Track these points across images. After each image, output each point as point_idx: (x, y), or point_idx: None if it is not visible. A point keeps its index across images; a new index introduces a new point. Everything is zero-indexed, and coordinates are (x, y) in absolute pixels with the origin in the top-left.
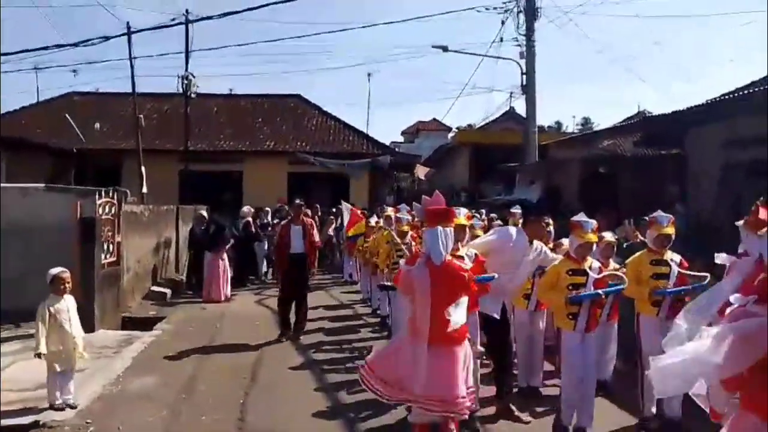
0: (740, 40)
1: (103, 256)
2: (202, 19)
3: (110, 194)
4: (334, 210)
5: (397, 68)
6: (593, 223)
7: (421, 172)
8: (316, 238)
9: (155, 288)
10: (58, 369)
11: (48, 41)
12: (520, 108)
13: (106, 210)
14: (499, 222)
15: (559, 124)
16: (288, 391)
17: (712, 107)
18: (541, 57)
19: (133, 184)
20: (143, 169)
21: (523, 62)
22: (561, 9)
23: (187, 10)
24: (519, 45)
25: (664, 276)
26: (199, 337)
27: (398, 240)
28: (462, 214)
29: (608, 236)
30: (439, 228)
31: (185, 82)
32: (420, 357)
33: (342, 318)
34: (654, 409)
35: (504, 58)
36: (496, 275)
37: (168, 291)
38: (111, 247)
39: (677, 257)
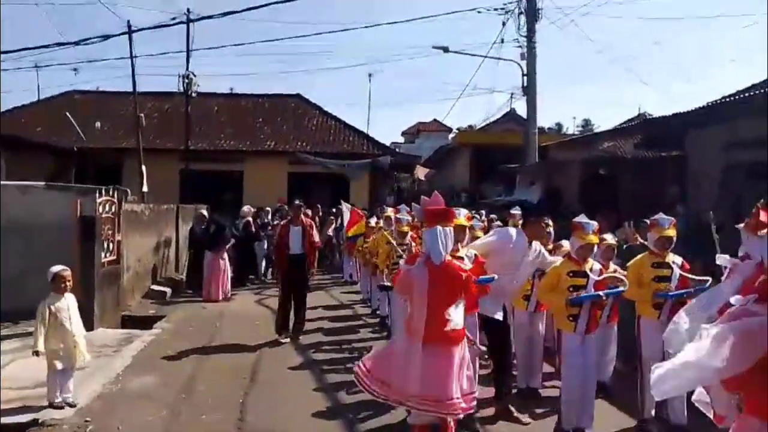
0: (742, 42)
1: (103, 255)
2: (203, 18)
3: (110, 193)
4: (334, 210)
5: (397, 69)
6: (594, 224)
7: (421, 172)
8: (316, 238)
9: (155, 287)
10: (59, 367)
11: (49, 39)
12: (521, 109)
13: (107, 209)
14: (498, 223)
15: (559, 125)
16: (288, 391)
17: (712, 109)
18: (541, 58)
19: (133, 183)
20: (144, 168)
21: (523, 63)
22: (562, 10)
23: (188, 9)
24: (520, 46)
25: (666, 279)
26: (199, 336)
27: (394, 243)
28: (462, 215)
29: (609, 238)
30: (439, 228)
31: (186, 81)
32: (415, 357)
33: (342, 318)
34: (653, 412)
35: (505, 59)
36: (496, 276)
37: (168, 290)
38: (111, 245)
39: (679, 259)
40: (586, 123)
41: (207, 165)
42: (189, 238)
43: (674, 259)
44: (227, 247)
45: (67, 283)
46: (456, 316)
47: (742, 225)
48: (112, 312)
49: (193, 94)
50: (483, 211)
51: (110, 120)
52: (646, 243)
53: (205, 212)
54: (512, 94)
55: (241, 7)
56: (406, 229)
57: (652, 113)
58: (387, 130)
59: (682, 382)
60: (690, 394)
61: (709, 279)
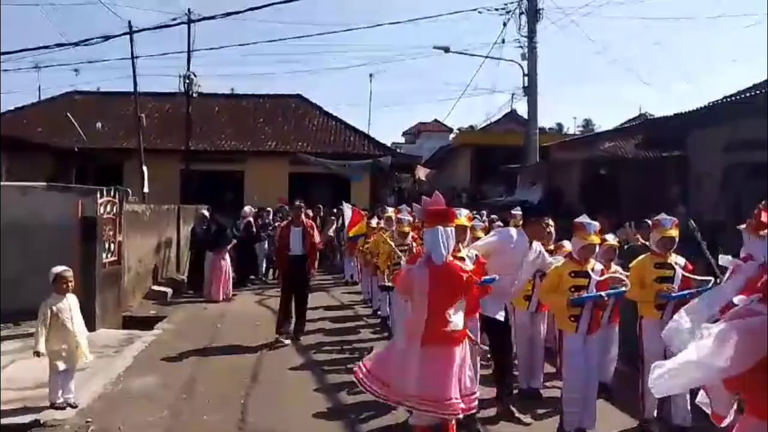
0: (743, 42)
1: (104, 256)
2: (204, 18)
3: (111, 193)
4: (335, 210)
5: (398, 69)
6: (596, 225)
7: (422, 173)
8: (317, 239)
9: (156, 287)
10: (61, 368)
11: (50, 40)
12: (522, 109)
13: (108, 209)
14: (500, 223)
15: (560, 125)
16: (288, 392)
17: (713, 110)
18: (542, 58)
19: (134, 184)
20: (145, 168)
21: (524, 63)
22: (563, 10)
23: (189, 10)
24: (521, 46)
25: (668, 279)
26: (200, 336)
27: (392, 245)
28: (463, 215)
29: (610, 239)
30: (440, 228)
31: (187, 81)
32: (414, 357)
33: (343, 319)
34: (655, 412)
35: (506, 60)
36: (497, 277)
37: (169, 290)
38: (112, 246)
39: (681, 260)
40: (587, 123)
41: (208, 165)
42: (190, 238)
43: (677, 259)
44: (228, 247)
45: (69, 284)
46: (456, 317)
47: (743, 226)
48: (113, 312)
49: (194, 95)
50: (484, 212)
51: (111, 120)
52: (647, 243)
53: (206, 212)
54: (513, 94)
55: (242, 7)
56: (407, 229)
57: (653, 113)
58: (388, 131)
59: (682, 381)
60: (694, 395)
61: (711, 279)
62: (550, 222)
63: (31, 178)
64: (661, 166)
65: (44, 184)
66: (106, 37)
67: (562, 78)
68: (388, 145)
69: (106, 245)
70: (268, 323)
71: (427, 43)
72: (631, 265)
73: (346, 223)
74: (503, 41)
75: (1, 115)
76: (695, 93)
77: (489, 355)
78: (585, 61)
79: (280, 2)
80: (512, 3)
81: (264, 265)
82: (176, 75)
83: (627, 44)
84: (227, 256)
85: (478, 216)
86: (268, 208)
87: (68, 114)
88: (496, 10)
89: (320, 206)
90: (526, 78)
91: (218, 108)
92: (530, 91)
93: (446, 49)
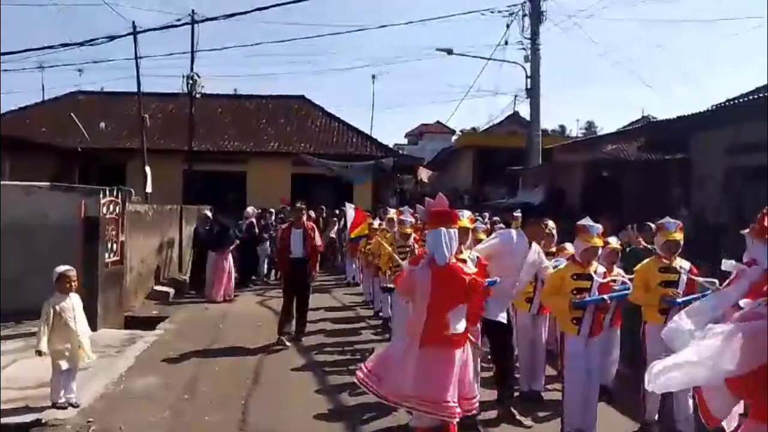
0: (746, 45)
1: (106, 255)
2: (208, 19)
3: (114, 193)
4: (337, 212)
5: (401, 70)
6: (599, 227)
7: (424, 174)
8: (318, 242)
9: (158, 287)
10: (64, 367)
11: (54, 40)
12: (524, 111)
13: (110, 209)
14: (501, 225)
15: (562, 127)
16: (290, 393)
17: (716, 113)
18: (545, 60)
19: (137, 184)
20: (148, 168)
21: (527, 66)
22: (566, 13)
23: (193, 11)
24: (524, 48)
25: (673, 283)
26: (202, 337)
27: (389, 249)
28: (465, 217)
29: (613, 242)
30: (443, 229)
31: (190, 82)
32: (414, 358)
33: (344, 320)
34: (656, 416)
35: (509, 62)
36: (498, 279)
37: (171, 291)
38: (115, 246)
39: (687, 264)
40: (590, 125)
41: (210, 166)
42: (193, 238)
43: (682, 263)
44: (231, 248)
45: (72, 284)
46: (457, 320)
47: (746, 231)
48: (115, 312)
49: (197, 95)
50: (486, 213)
51: (114, 121)
52: (649, 246)
53: (208, 213)
54: (516, 96)
55: (244, 9)
56: (409, 231)
57: (656, 116)
58: (390, 132)
59: (683, 379)
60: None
61: (716, 281)
62: (550, 223)
63: (35, 177)
64: (663, 169)
65: (47, 183)
66: (111, 38)
67: (565, 80)
68: (391, 146)
69: (109, 245)
70: (269, 324)
71: (430, 45)
72: (635, 268)
73: (348, 224)
74: (506, 43)
75: (1, 115)
76: (698, 96)
77: (490, 357)
78: (588, 64)
79: (284, 3)
80: (515, 5)
81: (266, 265)
82: (180, 75)
83: (630, 46)
84: (230, 257)
85: (480, 218)
86: (271, 209)
87: (72, 114)
88: (500, 12)
89: (322, 207)
90: (528, 80)
91: (221, 109)
92: (533, 93)
93: (449, 51)
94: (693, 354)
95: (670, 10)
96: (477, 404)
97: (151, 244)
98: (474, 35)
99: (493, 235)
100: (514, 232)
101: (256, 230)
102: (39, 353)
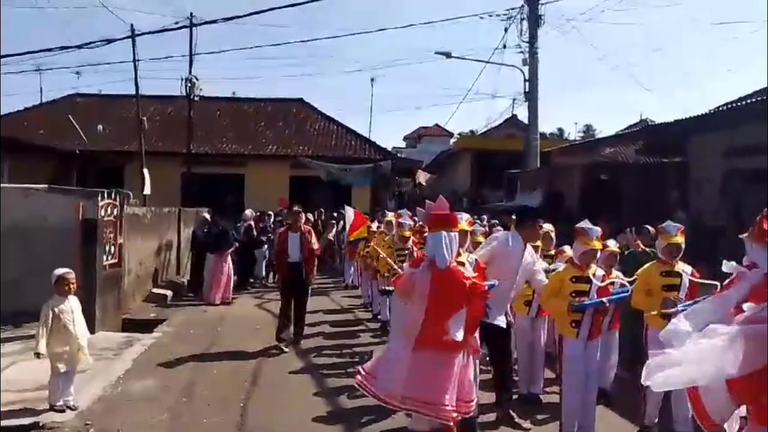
0: (745, 49)
1: (104, 258)
2: (207, 22)
3: (112, 196)
4: (335, 214)
5: (400, 73)
6: (598, 230)
7: (422, 177)
8: (315, 246)
9: (156, 290)
10: (62, 370)
11: (52, 43)
12: (523, 114)
13: (108, 212)
14: (499, 228)
15: (561, 130)
16: (288, 396)
17: (714, 116)
18: (543, 64)
19: (135, 186)
20: (146, 171)
21: (525, 69)
22: (564, 16)
23: (191, 14)
24: (522, 52)
25: (675, 287)
26: (200, 340)
27: (388, 259)
28: (463, 220)
29: (612, 245)
30: (443, 232)
31: (189, 84)
32: (412, 360)
33: (342, 323)
34: (656, 420)
35: (507, 65)
36: (497, 282)
37: (169, 293)
38: (112, 248)
39: (689, 268)
40: (588, 129)
41: (209, 168)
42: (191, 241)
43: (684, 267)
44: (230, 250)
45: (71, 286)
46: (457, 327)
47: (745, 235)
48: (113, 315)
49: (196, 98)
50: (484, 216)
51: (113, 123)
52: (647, 249)
53: (207, 216)
54: (514, 99)
55: (244, 11)
56: (407, 233)
57: (654, 119)
58: (389, 135)
59: (681, 378)
60: None
61: (717, 284)
62: (548, 226)
63: (33, 180)
64: (661, 172)
65: (45, 186)
66: (109, 41)
67: (563, 83)
68: (389, 149)
69: (107, 248)
70: (268, 327)
71: (429, 48)
72: (637, 272)
73: (347, 226)
74: (504, 47)
75: (0, 117)
76: (696, 99)
77: (488, 359)
78: (586, 67)
79: (283, 7)
80: (514, 9)
81: (264, 268)
82: (178, 78)
83: (628, 50)
84: (229, 260)
85: (478, 221)
86: (270, 212)
87: (70, 116)
88: (498, 15)
89: (321, 210)
90: (527, 83)
91: (220, 111)
92: (531, 96)
93: (448, 55)
94: (693, 353)
95: (669, 14)
96: (473, 408)
97: (149, 246)
98: (472, 39)
99: (488, 239)
100: (509, 234)
101: (255, 233)
102: (37, 355)
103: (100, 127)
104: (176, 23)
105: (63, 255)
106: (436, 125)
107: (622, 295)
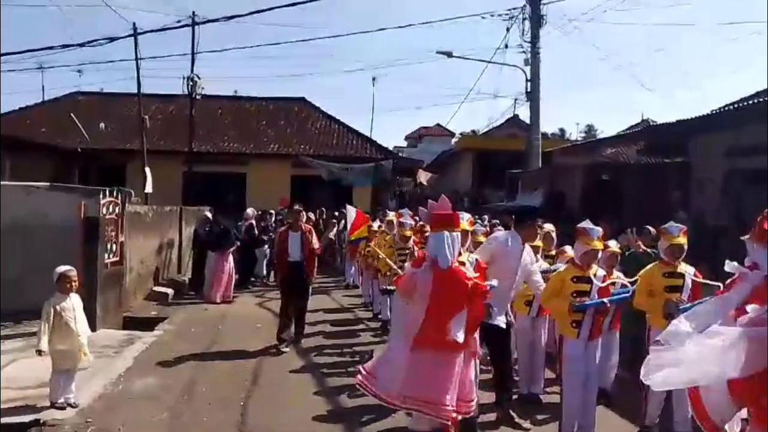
0: (747, 49)
1: (106, 256)
2: (209, 21)
3: (114, 194)
4: (336, 213)
5: (401, 73)
6: (599, 230)
7: (423, 177)
8: (315, 245)
9: (157, 288)
10: (63, 367)
11: (54, 41)
12: (524, 114)
13: (110, 210)
14: (500, 228)
15: (562, 131)
16: (289, 395)
17: (716, 116)
18: (545, 64)
19: (137, 185)
20: (147, 169)
21: (527, 69)
22: (566, 16)
23: (193, 12)
24: (524, 52)
25: (678, 289)
26: (201, 338)
27: (388, 260)
28: (464, 220)
29: (613, 245)
30: (446, 232)
31: (191, 83)
32: (412, 359)
33: (343, 322)
34: (657, 420)
35: (509, 65)
36: (496, 282)
37: (170, 291)
38: (114, 246)
39: (691, 269)
40: (590, 129)
41: (210, 167)
42: (192, 239)
43: (687, 268)
44: (232, 249)
45: (73, 284)
46: (458, 328)
47: (747, 236)
48: (114, 313)
49: (198, 97)
50: (486, 216)
51: (114, 121)
52: (648, 249)
53: (208, 214)
54: (516, 99)
55: (246, 10)
56: (408, 233)
57: (656, 120)
58: (390, 134)
59: (682, 377)
60: None
61: (720, 285)
62: (549, 226)
63: (34, 178)
64: (663, 172)
65: (47, 184)
66: (111, 39)
67: (565, 83)
68: (390, 148)
69: (108, 246)
70: (269, 326)
71: (431, 48)
72: (639, 273)
73: (348, 225)
74: (506, 46)
75: (1, 116)
76: (697, 99)
77: (489, 359)
78: (588, 67)
79: (285, 6)
80: (516, 9)
81: (265, 267)
82: (180, 77)
83: (630, 50)
84: (231, 258)
85: (479, 220)
86: (271, 211)
87: (72, 115)
88: (500, 15)
89: (322, 209)
90: (528, 83)
91: (221, 110)
92: (533, 96)
93: (449, 54)
94: (695, 353)
95: (670, 14)
96: (473, 407)
97: (150, 244)
98: (474, 38)
99: (488, 239)
100: (508, 234)
101: (256, 232)
102: (39, 353)
103: (102, 125)
104: (178, 22)
105: (64, 253)
106: (438, 125)
107: (623, 295)
